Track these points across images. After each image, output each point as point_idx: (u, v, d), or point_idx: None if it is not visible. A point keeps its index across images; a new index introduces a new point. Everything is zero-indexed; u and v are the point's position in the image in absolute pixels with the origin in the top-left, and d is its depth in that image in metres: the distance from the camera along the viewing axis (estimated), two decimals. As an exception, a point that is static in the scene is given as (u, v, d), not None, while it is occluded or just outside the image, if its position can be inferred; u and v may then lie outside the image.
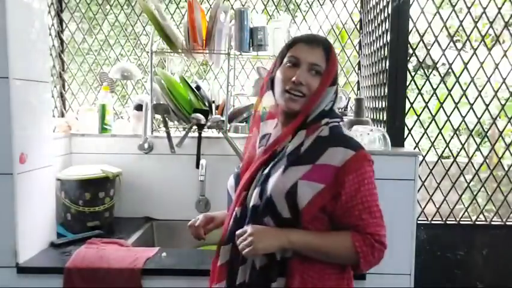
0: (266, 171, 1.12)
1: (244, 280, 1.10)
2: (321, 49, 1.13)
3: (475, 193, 2.18)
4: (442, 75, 2.13)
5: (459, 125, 2.15)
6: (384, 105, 1.90)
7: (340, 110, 2.08)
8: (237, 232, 1.08)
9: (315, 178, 1.06)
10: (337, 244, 1.08)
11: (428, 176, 2.14)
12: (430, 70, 2.28)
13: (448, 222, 2.16)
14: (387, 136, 1.63)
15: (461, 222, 2.16)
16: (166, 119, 2.00)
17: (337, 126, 1.15)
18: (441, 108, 2.14)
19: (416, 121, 2.13)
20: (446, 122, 2.15)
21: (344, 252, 1.07)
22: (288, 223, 1.07)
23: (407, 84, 1.91)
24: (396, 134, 1.80)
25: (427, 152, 2.19)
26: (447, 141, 2.16)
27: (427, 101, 2.12)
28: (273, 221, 1.08)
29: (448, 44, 2.14)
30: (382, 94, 1.93)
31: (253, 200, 1.10)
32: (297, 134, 1.13)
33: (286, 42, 1.20)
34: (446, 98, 2.15)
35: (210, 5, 2.24)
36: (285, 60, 1.15)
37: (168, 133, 1.99)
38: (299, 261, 1.08)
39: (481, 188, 2.18)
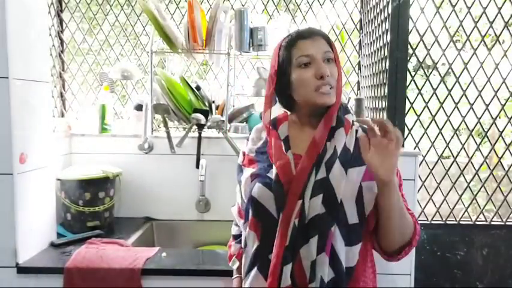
0: (322, 176, 1.03)
1: (320, 276, 1.00)
2: (321, 37, 1.12)
3: (475, 193, 2.18)
4: (442, 75, 2.13)
5: (459, 125, 2.14)
6: (384, 105, 1.90)
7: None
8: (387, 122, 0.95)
9: (371, 178, 1.03)
10: (406, 211, 1.06)
11: (428, 176, 2.14)
12: (430, 70, 2.28)
13: (448, 222, 2.16)
14: (387, 136, 1.62)
15: (461, 222, 2.16)
16: (166, 119, 2.00)
17: (362, 125, 1.13)
18: (441, 108, 2.14)
19: (416, 121, 2.13)
20: (446, 122, 2.15)
21: (409, 221, 1.06)
22: (353, 229, 1.04)
23: (407, 84, 1.91)
24: (396, 134, 1.80)
25: (427, 152, 2.19)
26: (447, 141, 2.16)
27: (427, 101, 2.12)
28: (339, 230, 1.02)
29: (448, 44, 2.14)
30: (382, 94, 1.93)
31: (315, 208, 1.01)
32: (336, 133, 1.09)
33: (283, 44, 1.14)
34: (446, 98, 2.15)
35: (210, 5, 2.24)
36: (296, 62, 1.10)
37: (168, 133, 1.99)
38: (362, 268, 1.08)
39: (481, 188, 2.18)
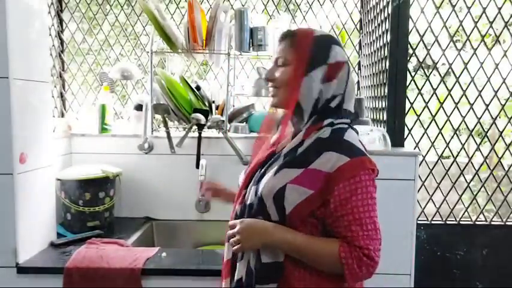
0: (262, 170, 1.12)
1: (241, 277, 1.10)
2: (286, 40, 1.12)
3: (475, 193, 2.18)
4: (442, 75, 2.13)
5: (459, 125, 2.14)
6: (384, 105, 1.90)
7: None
8: (229, 224, 1.13)
9: (304, 183, 1.02)
10: (323, 251, 1.02)
11: (428, 176, 2.14)
12: (430, 70, 2.28)
13: (448, 222, 2.16)
14: (387, 136, 1.63)
15: (461, 222, 2.16)
16: (166, 119, 2.00)
17: (342, 129, 1.08)
18: (441, 108, 2.14)
19: (416, 121, 2.13)
20: (446, 122, 2.15)
21: (328, 260, 1.02)
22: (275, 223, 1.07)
23: (407, 84, 1.91)
24: (396, 134, 1.80)
25: (427, 152, 2.19)
26: (447, 141, 2.16)
27: (427, 101, 2.12)
28: (264, 221, 1.08)
29: (448, 44, 2.14)
30: (382, 94, 1.93)
31: (250, 198, 1.11)
32: (297, 135, 1.10)
33: None
34: (446, 98, 2.15)
35: (210, 5, 2.24)
36: None
37: (168, 133, 1.99)
38: (292, 265, 1.05)
39: (481, 188, 2.18)
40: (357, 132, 1.14)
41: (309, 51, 1.08)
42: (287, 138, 1.16)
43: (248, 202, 1.11)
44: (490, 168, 2.17)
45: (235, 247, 1.08)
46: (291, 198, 1.02)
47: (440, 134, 2.15)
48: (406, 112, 1.91)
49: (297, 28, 1.20)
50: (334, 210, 1.01)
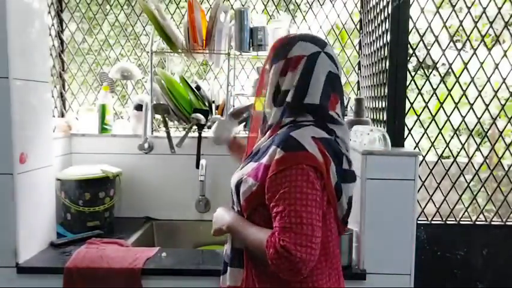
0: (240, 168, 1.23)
1: (224, 260, 1.24)
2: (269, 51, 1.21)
3: (475, 193, 2.18)
4: (442, 75, 2.13)
5: (459, 125, 2.14)
6: (384, 105, 1.89)
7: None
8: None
9: (252, 175, 1.11)
10: (257, 239, 1.06)
11: (428, 176, 2.14)
12: (430, 70, 2.28)
13: (448, 222, 2.16)
14: (387, 136, 1.63)
15: (461, 222, 2.16)
16: (166, 119, 2.00)
17: (299, 126, 1.08)
18: (441, 108, 2.14)
19: (416, 121, 2.13)
20: (446, 122, 2.15)
21: (258, 248, 1.04)
22: (239, 215, 1.18)
23: (407, 84, 1.91)
24: (396, 134, 1.80)
25: (427, 152, 2.19)
26: (447, 141, 2.16)
27: (427, 101, 2.12)
28: (228, 210, 1.23)
29: (448, 44, 2.14)
30: (382, 94, 1.93)
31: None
32: (264, 136, 1.19)
33: None
34: (446, 98, 2.14)
35: (210, 5, 2.24)
36: None
37: (168, 133, 1.99)
38: (248, 254, 1.14)
39: (481, 188, 2.18)
40: (330, 131, 1.11)
41: (275, 48, 1.18)
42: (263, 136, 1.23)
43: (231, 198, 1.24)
44: (490, 168, 2.16)
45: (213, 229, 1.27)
46: (243, 189, 1.12)
47: (440, 134, 2.14)
48: (406, 112, 1.91)
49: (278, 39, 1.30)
50: (268, 201, 1.05)
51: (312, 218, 0.99)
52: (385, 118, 1.85)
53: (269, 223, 1.06)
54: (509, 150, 2.16)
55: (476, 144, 2.15)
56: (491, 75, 2.12)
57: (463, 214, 2.18)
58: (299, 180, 1.01)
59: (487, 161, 2.17)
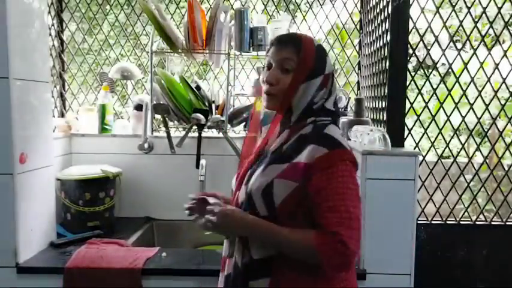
0: (253, 170, 1.15)
1: (230, 273, 1.14)
2: (291, 45, 1.13)
3: (475, 193, 2.18)
4: (442, 75, 2.13)
5: (459, 125, 2.14)
6: (384, 105, 1.89)
7: (340, 110, 2.08)
8: (213, 202, 1.14)
9: (288, 176, 1.06)
10: (298, 238, 1.04)
11: (428, 176, 2.14)
12: (430, 70, 2.28)
13: (448, 222, 2.16)
14: (387, 136, 1.63)
15: (461, 222, 2.16)
16: (166, 119, 2.00)
17: (324, 125, 1.12)
18: (441, 108, 2.14)
19: (416, 121, 2.13)
20: (446, 122, 2.15)
21: (303, 249, 1.03)
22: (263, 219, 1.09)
23: (407, 84, 1.91)
24: (396, 134, 1.80)
25: (427, 152, 2.19)
26: (447, 141, 2.16)
27: (427, 101, 2.12)
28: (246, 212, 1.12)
29: (448, 44, 2.14)
30: (382, 94, 1.93)
31: (241, 198, 1.14)
32: (282, 133, 1.15)
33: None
34: (446, 98, 2.14)
35: (210, 5, 2.24)
36: (265, 63, 1.18)
37: (168, 133, 1.99)
38: (282, 261, 1.07)
39: (481, 188, 2.18)
40: (339, 129, 1.19)
41: (313, 61, 1.13)
42: (274, 137, 1.20)
43: (240, 201, 1.14)
44: (490, 168, 2.16)
45: (207, 225, 1.11)
46: (279, 192, 1.06)
47: (440, 134, 2.14)
48: (406, 112, 1.91)
49: (298, 34, 1.21)
50: (312, 199, 1.04)
51: (358, 213, 1.04)
52: (385, 118, 1.85)
53: (305, 223, 1.06)
54: (509, 150, 2.16)
55: (476, 144, 2.15)
56: (491, 75, 2.12)
57: (463, 214, 2.18)
58: (345, 176, 1.05)
59: (487, 161, 2.17)
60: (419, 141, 2.16)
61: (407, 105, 1.97)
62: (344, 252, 0.98)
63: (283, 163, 1.09)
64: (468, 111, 2.13)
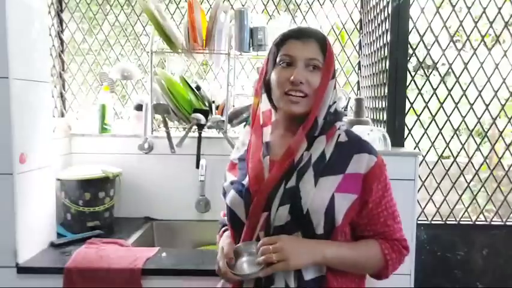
0: (292, 184, 1.00)
1: None
2: (315, 41, 1.04)
3: (475, 193, 2.18)
4: (442, 75, 2.13)
5: (459, 125, 2.14)
6: (384, 105, 1.90)
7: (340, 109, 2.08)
8: (264, 241, 0.97)
9: (349, 189, 1.00)
10: (369, 254, 1.04)
11: (428, 176, 2.14)
12: (430, 70, 2.27)
13: (448, 222, 2.16)
14: (387, 136, 1.63)
15: (461, 222, 2.16)
16: (166, 119, 2.00)
17: (350, 130, 1.12)
18: (441, 108, 2.14)
19: (416, 121, 2.13)
20: (446, 122, 2.15)
21: (375, 261, 1.05)
22: (318, 239, 1.01)
23: (407, 84, 1.91)
24: (396, 134, 1.80)
25: (427, 152, 2.19)
26: (447, 141, 2.16)
27: (427, 101, 2.12)
28: (302, 237, 1.00)
29: (448, 44, 2.14)
30: (382, 94, 1.93)
31: (281, 218, 0.99)
32: (316, 141, 1.04)
33: (274, 40, 1.10)
34: (446, 98, 2.14)
35: (210, 5, 2.24)
36: (278, 59, 1.06)
37: (168, 133, 1.99)
38: (334, 278, 1.02)
39: (481, 188, 2.18)
40: None
41: (333, 65, 1.07)
42: (279, 141, 1.09)
43: (279, 224, 0.99)
44: (490, 168, 2.16)
45: (279, 265, 0.94)
46: (341, 207, 0.99)
47: (440, 134, 2.14)
48: (406, 112, 1.91)
49: (315, 29, 1.12)
50: (371, 210, 1.04)
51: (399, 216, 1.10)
52: (385, 118, 1.86)
53: (349, 238, 1.07)
54: (509, 150, 2.16)
55: (476, 144, 2.15)
56: (491, 75, 2.12)
57: (463, 214, 2.18)
58: (389, 182, 1.08)
59: (487, 161, 2.17)
60: (419, 141, 2.16)
61: (407, 105, 1.97)
62: (405, 255, 1.08)
63: (336, 174, 1.01)
64: (468, 111, 2.13)
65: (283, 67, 1.05)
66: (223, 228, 1.27)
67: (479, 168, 2.18)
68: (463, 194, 2.17)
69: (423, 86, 2.13)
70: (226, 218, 1.17)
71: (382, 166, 1.06)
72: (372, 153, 1.05)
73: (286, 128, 1.11)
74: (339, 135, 1.07)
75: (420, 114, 2.14)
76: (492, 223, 2.17)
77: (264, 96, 1.13)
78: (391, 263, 1.05)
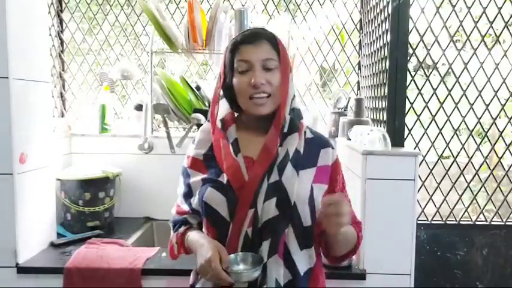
0: (274, 179, 1.03)
1: None
2: (266, 41, 1.08)
3: (475, 193, 2.18)
4: (442, 75, 2.13)
5: (459, 125, 2.14)
6: (384, 105, 1.89)
7: (340, 110, 2.08)
8: (330, 200, 0.96)
9: (322, 180, 1.10)
10: (351, 229, 1.12)
11: (428, 176, 2.14)
12: (430, 70, 2.27)
13: (448, 222, 2.16)
14: (387, 136, 1.63)
15: (461, 222, 2.16)
16: (166, 119, 2.00)
17: (310, 127, 1.19)
18: (441, 108, 2.14)
19: (416, 121, 2.13)
20: (446, 122, 2.15)
21: (353, 238, 1.13)
22: (308, 231, 1.05)
23: (407, 84, 1.91)
24: (396, 134, 1.80)
25: (427, 152, 2.19)
26: (447, 141, 2.16)
27: (427, 101, 2.12)
28: (294, 233, 1.03)
29: (448, 44, 2.14)
30: (382, 94, 1.93)
31: (269, 212, 1.01)
32: (289, 137, 1.08)
33: (226, 48, 1.12)
34: (446, 98, 2.14)
35: (210, 5, 2.24)
36: (235, 66, 1.08)
37: (168, 133, 1.99)
38: (319, 267, 1.13)
39: (481, 188, 2.18)
40: None
41: (288, 55, 1.12)
42: (249, 138, 1.12)
43: (267, 218, 1.00)
44: (490, 168, 2.16)
45: (336, 228, 0.97)
46: (318, 197, 1.07)
47: (440, 134, 2.14)
48: (406, 112, 1.91)
49: (262, 28, 1.15)
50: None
51: None
52: (385, 118, 1.85)
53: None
54: (509, 150, 2.16)
55: (476, 144, 2.15)
56: (491, 75, 2.12)
57: (463, 214, 2.18)
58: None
59: (487, 161, 2.17)
60: (419, 141, 2.16)
61: (408, 105, 1.97)
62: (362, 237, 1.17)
63: (311, 167, 1.09)
64: (468, 111, 2.13)
65: (241, 73, 1.07)
66: (185, 227, 1.20)
67: (479, 168, 2.18)
68: (463, 194, 2.17)
69: (423, 86, 2.13)
70: (187, 216, 1.17)
71: (339, 160, 1.17)
72: (334, 148, 1.16)
73: (254, 126, 1.13)
74: (305, 132, 1.14)
75: (420, 114, 2.14)
76: (492, 223, 2.17)
77: (223, 101, 1.16)
78: (360, 241, 1.16)
